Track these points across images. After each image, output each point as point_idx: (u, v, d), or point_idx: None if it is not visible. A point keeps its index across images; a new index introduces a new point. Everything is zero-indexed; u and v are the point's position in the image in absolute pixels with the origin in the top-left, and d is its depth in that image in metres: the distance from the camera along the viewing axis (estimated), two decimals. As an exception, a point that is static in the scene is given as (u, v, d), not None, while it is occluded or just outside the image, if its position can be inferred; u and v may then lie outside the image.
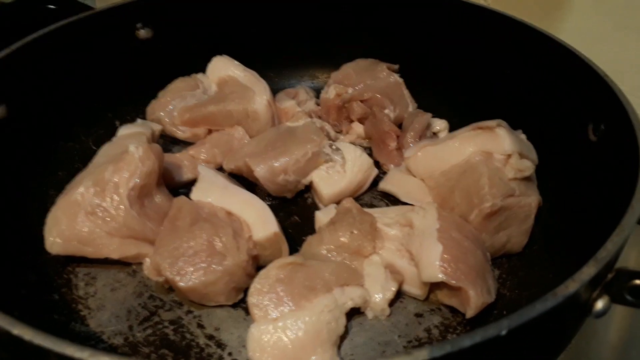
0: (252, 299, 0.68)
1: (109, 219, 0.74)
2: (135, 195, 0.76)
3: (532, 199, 0.74)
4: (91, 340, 0.67)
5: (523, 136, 0.79)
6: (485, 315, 0.70)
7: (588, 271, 0.47)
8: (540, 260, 0.76)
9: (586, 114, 0.76)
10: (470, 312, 0.67)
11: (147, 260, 0.73)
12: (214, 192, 0.79)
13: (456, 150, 0.77)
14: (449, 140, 0.79)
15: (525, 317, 0.43)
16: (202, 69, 1.02)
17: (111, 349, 0.66)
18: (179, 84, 1.01)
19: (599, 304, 0.51)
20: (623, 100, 0.69)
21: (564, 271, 0.62)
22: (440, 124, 0.98)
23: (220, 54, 1.01)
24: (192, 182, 0.87)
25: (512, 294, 0.74)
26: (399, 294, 0.74)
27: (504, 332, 0.42)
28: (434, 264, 0.67)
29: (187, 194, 0.79)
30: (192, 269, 0.70)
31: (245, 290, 0.71)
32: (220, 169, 0.92)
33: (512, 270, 0.77)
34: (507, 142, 0.74)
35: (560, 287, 0.46)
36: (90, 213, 0.74)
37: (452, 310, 0.72)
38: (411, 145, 0.90)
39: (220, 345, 0.67)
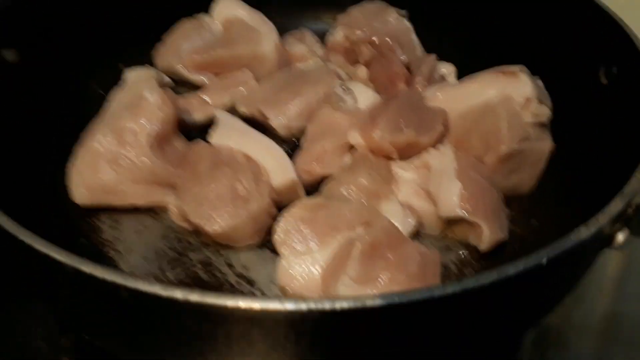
0: (278, 237, 0.70)
1: (131, 167, 0.74)
2: (154, 142, 0.76)
3: (545, 144, 0.78)
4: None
5: (540, 83, 0.81)
6: (499, 252, 0.74)
7: (616, 205, 0.51)
8: (549, 201, 0.80)
9: (598, 57, 0.78)
10: (484, 247, 0.71)
11: (174, 208, 0.74)
12: (233, 136, 0.79)
13: (476, 93, 0.79)
14: (470, 83, 0.80)
15: (563, 247, 0.47)
16: (205, 9, 1.00)
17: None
18: (183, 26, 0.99)
19: (620, 237, 0.55)
20: (637, 42, 0.71)
21: (572, 211, 0.66)
22: (447, 68, 0.98)
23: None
24: (202, 125, 0.88)
25: (522, 231, 0.78)
26: (416, 235, 0.77)
27: (544, 261, 0.46)
28: (452, 200, 0.71)
29: (200, 138, 0.80)
30: (218, 213, 0.71)
31: (269, 230, 0.73)
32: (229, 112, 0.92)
33: (522, 209, 0.80)
34: (528, 87, 0.76)
35: (592, 220, 0.49)
36: (111, 162, 0.74)
37: (467, 247, 0.75)
38: (419, 88, 0.92)
39: (250, 282, 0.70)
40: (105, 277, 0.42)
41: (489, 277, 0.44)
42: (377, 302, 0.42)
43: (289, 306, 0.41)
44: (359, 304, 0.42)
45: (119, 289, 0.42)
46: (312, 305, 0.41)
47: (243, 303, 0.41)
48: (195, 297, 0.41)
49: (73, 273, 0.43)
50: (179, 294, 0.41)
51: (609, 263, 0.83)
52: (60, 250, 0.44)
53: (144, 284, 0.41)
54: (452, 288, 0.43)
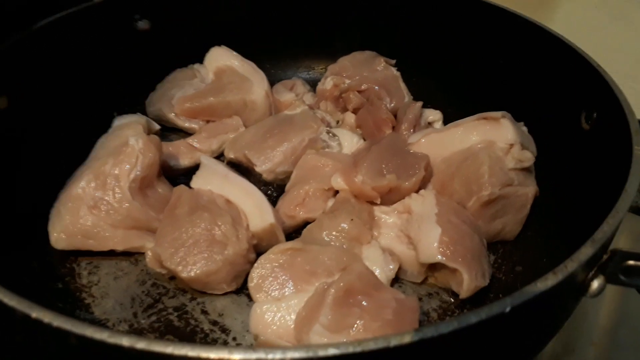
0: (253, 283, 0.69)
1: (112, 212, 0.74)
2: (136, 187, 0.77)
3: (529, 189, 0.77)
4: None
5: (524, 128, 0.81)
6: (482, 298, 0.72)
7: (586, 251, 0.49)
8: (534, 246, 0.79)
9: (579, 103, 0.78)
10: (463, 294, 0.70)
11: (149, 252, 0.74)
12: (214, 180, 0.79)
13: (460, 138, 0.79)
14: (454, 128, 0.81)
15: (527, 295, 0.45)
16: (200, 60, 1.03)
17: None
18: (176, 75, 1.01)
19: (595, 284, 0.53)
20: (615, 88, 0.71)
21: (557, 256, 0.64)
22: (434, 115, 0.99)
23: (218, 44, 1.02)
24: (190, 170, 0.88)
25: (507, 278, 0.76)
26: (397, 279, 0.75)
27: (507, 310, 0.44)
28: (432, 245, 0.69)
29: (186, 183, 0.80)
30: (194, 259, 0.70)
31: (247, 276, 0.72)
32: (217, 157, 0.93)
33: (507, 255, 0.79)
34: (510, 133, 0.76)
35: (560, 267, 0.48)
36: (92, 207, 0.75)
37: (450, 294, 0.74)
38: (405, 134, 0.92)
39: (224, 330, 0.69)
40: (53, 323, 0.41)
41: (448, 326, 0.43)
42: (330, 352, 0.41)
43: (236, 356, 0.40)
44: (310, 354, 0.40)
45: (68, 335, 0.41)
46: (262, 356, 0.40)
47: (190, 351, 0.40)
48: (141, 345, 0.40)
49: (23, 318, 0.42)
50: (125, 341, 0.40)
51: (600, 313, 0.80)
52: (12, 295, 0.44)
53: (91, 330, 0.40)
54: (409, 337, 0.42)
